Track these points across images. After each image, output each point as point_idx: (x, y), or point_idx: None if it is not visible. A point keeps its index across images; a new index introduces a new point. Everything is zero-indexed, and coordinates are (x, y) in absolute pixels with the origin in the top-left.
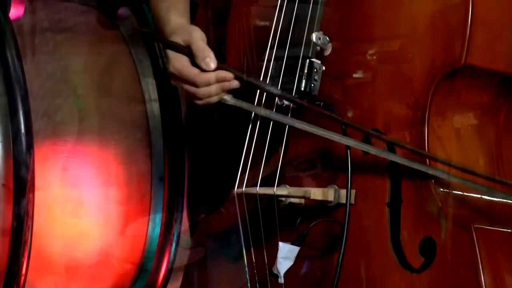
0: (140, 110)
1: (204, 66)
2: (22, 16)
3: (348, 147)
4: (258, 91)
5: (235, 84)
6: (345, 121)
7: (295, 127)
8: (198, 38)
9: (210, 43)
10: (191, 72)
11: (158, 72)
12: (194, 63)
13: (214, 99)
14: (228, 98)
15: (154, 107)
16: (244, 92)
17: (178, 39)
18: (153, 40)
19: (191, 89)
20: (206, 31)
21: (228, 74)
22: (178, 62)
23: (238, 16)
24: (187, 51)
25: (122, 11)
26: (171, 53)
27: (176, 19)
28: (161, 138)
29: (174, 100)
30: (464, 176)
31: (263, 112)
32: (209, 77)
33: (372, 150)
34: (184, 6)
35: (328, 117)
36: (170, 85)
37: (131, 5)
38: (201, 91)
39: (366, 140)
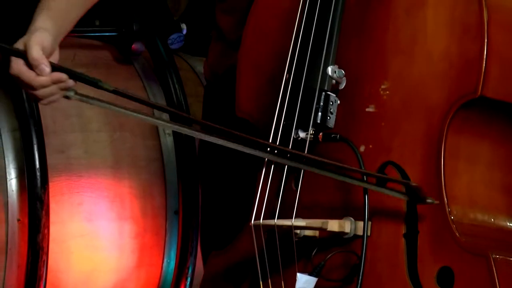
0: (154, 145)
1: (38, 73)
2: None
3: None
4: (274, 125)
5: (71, 83)
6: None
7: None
8: (33, 43)
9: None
10: (28, 76)
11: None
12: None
13: (56, 97)
14: (72, 94)
15: (168, 141)
16: (259, 129)
17: (22, 41)
18: None
19: (30, 91)
20: (218, 62)
21: (62, 76)
22: (16, 66)
23: (251, 48)
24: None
25: (136, 46)
26: (12, 57)
27: (40, 21)
28: (175, 172)
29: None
30: None
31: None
32: (44, 80)
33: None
34: (58, 10)
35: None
36: (184, 120)
37: (144, 40)
38: (39, 93)
39: (381, 172)
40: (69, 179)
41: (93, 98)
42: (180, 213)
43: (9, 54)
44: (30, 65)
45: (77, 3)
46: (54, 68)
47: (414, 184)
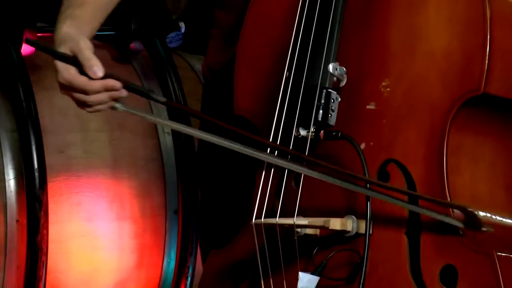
0: (153, 144)
1: (91, 75)
2: (34, 52)
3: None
4: (274, 123)
5: (124, 93)
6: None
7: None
8: (84, 47)
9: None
10: (81, 80)
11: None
12: (83, 72)
13: (103, 107)
14: (119, 106)
15: (167, 140)
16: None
17: (65, 49)
18: (41, 50)
19: (81, 97)
20: (216, 59)
21: (116, 83)
22: (67, 73)
23: (250, 42)
24: (74, 61)
25: (135, 45)
26: (60, 64)
27: (67, 29)
28: (174, 171)
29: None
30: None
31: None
32: (98, 85)
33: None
34: (85, 18)
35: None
36: (183, 118)
37: (143, 39)
38: (91, 98)
39: (382, 172)
40: (68, 179)
41: (139, 112)
42: (180, 212)
43: (63, 61)
44: (82, 70)
45: (100, 12)
46: (108, 75)
47: (469, 208)
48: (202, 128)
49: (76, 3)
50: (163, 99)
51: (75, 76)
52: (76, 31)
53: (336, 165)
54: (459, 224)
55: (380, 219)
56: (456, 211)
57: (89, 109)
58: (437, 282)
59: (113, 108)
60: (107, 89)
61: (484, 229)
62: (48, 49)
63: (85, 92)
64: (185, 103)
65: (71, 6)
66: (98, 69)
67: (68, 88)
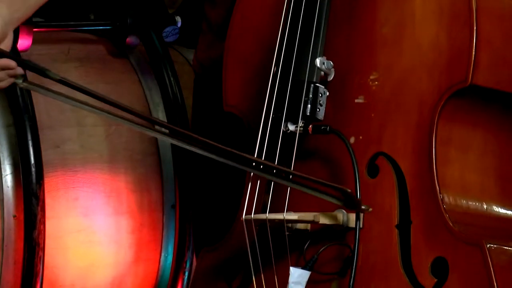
0: (150, 139)
1: None
2: (30, 47)
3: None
4: (263, 119)
5: (20, 70)
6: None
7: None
8: None
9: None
10: None
11: (167, 100)
12: None
13: (3, 84)
14: (20, 82)
15: None
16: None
17: None
18: None
19: None
20: (206, 54)
21: (11, 62)
22: None
23: (238, 39)
24: None
25: (131, 39)
26: None
27: None
28: (171, 166)
29: (184, 128)
30: None
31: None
32: None
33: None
34: None
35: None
36: (180, 113)
37: (139, 34)
38: None
39: (372, 165)
40: (64, 174)
41: (41, 87)
42: (177, 207)
43: None
44: None
45: None
46: (2, 55)
47: (348, 190)
48: (194, 123)
49: None
50: (57, 77)
51: None
52: (2, 5)
53: (326, 161)
54: (337, 202)
55: (371, 212)
56: None
57: None
58: (428, 275)
59: (15, 84)
60: (3, 68)
61: (363, 207)
62: None
63: None
64: (181, 98)
65: None
66: None
67: None
